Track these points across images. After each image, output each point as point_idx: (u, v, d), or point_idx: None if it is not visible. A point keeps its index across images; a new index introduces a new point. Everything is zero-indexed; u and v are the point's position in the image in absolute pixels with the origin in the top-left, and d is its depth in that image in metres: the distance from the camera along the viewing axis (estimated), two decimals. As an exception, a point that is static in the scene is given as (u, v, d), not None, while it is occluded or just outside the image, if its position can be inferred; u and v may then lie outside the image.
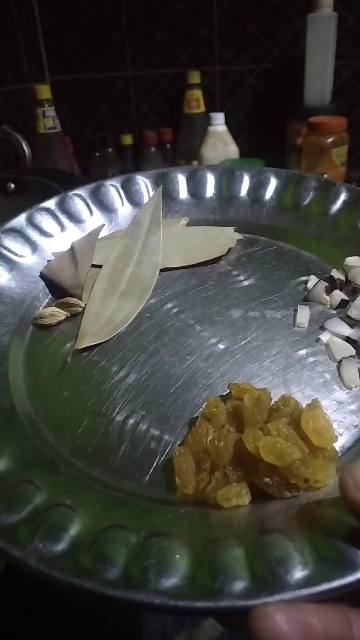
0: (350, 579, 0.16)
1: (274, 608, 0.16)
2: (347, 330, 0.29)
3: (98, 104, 1.07)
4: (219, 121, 0.83)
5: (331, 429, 0.23)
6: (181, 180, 0.42)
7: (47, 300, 0.36)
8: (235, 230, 0.39)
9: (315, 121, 0.73)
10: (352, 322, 0.30)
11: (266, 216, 0.40)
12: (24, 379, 0.30)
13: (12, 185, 0.62)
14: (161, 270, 0.37)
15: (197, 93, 0.92)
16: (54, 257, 0.38)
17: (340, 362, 0.28)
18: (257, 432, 0.22)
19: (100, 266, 0.38)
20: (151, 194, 0.42)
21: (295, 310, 0.32)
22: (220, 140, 0.84)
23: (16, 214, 0.39)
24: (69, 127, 1.03)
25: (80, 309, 0.35)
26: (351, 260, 0.33)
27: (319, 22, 0.79)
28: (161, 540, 0.19)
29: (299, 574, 0.17)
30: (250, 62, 0.94)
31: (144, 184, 0.42)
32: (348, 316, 0.30)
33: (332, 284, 0.32)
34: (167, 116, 1.04)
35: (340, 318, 0.30)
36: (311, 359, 0.29)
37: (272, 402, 0.25)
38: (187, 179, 0.42)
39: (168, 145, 0.99)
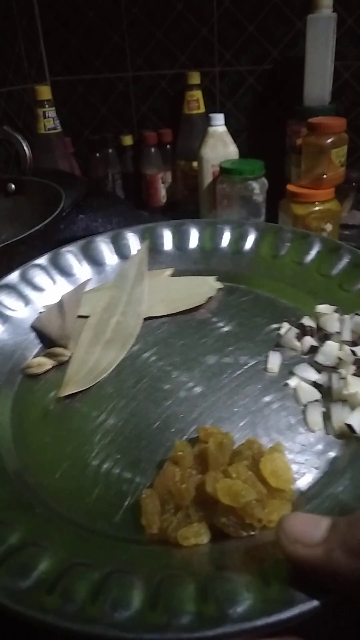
0: (287, 614, 0.17)
1: None
2: (314, 376, 0.31)
3: (98, 104, 1.07)
4: (218, 122, 0.83)
5: (289, 471, 0.24)
6: (166, 234, 0.46)
7: (37, 350, 0.38)
8: (216, 280, 0.41)
9: (315, 122, 0.73)
10: (319, 367, 0.31)
11: (246, 266, 0.43)
12: (10, 426, 0.31)
13: (13, 186, 0.62)
14: (145, 319, 0.39)
15: (197, 94, 0.92)
16: (44, 310, 0.40)
17: (305, 406, 0.29)
18: (218, 475, 0.24)
19: (88, 317, 0.40)
20: (139, 246, 0.45)
21: (267, 356, 0.33)
22: (220, 140, 0.84)
23: (9, 271, 0.42)
24: (69, 128, 1.03)
25: (67, 358, 0.37)
26: (321, 308, 0.34)
27: (319, 23, 0.80)
28: (122, 576, 0.20)
29: (241, 608, 0.18)
30: (250, 63, 0.95)
31: (132, 238, 0.45)
32: (316, 362, 0.31)
33: (303, 331, 0.33)
34: (167, 117, 1.04)
35: (309, 363, 0.32)
36: (278, 404, 0.30)
37: (237, 445, 0.26)
38: (172, 233, 0.46)
39: (168, 146, 1.00)
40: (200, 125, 0.90)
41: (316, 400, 0.29)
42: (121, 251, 0.45)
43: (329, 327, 0.33)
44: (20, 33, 0.97)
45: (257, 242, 0.44)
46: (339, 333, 0.32)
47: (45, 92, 0.89)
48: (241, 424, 0.29)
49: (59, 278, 0.43)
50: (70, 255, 0.44)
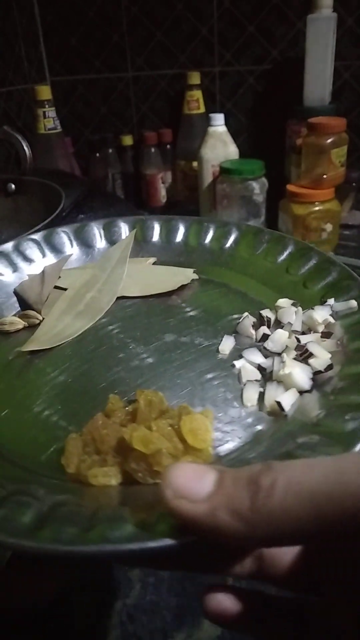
0: (154, 544, 0.19)
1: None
2: (259, 359, 0.33)
3: (98, 104, 1.07)
4: (218, 122, 0.83)
5: (208, 433, 0.26)
6: (156, 227, 0.49)
7: (14, 312, 0.42)
8: (193, 272, 0.44)
9: (315, 122, 0.73)
10: (267, 354, 0.33)
11: (224, 262, 0.46)
12: None
13: (13, 186, 0.63)
14: (119, 298, 0.42)
15: (197, 94, 0.92)
16: (27, 277, 0.44)
17: (245, 384, 0.31)
18: (139, 426, 0.25)
19: (66, 289, 0.44)
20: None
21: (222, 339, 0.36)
22: (220, 141, 0.84)
23: (6, 241, 0.46)
24: (69, 128, 1.03)
25: (37, 321, 0.40)
26: (281, 302, 0.37)
27: (319, 23, 0.80)
28: (21, 498, 0.22)
29: (119, 533, 0.19)
30: (250, 63, 0.95)
31: (123, 227, 0.49)
32: (265, 348, 0.33)
33: (260, 321, 0.36)
34: (167, 117, 1.04)
35: (259, 349, 0.34)
36: (220, 380, 0.32)
37: (168, 406, 0.28)
38: (161, 226, 0.49)
39: (168, 146, 1.00)
40: (200, 125, 0.90)
41: (256, 380, 0.31)
42: (111, 237, 0.49)
43: (284, 319, 0.35)
44: (20, 33, 0.97)
45: (236, 241, 0.47)
46: (290, 324, 0.34)
47: (45, 92, 0.89)
48: (180, 393, 0.31)
49: (49, 253, 0.47)
50: (64, 235, 0.48)
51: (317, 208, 0.73)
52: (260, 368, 0.32)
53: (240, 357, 0.34)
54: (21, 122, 0.99)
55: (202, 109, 0.93)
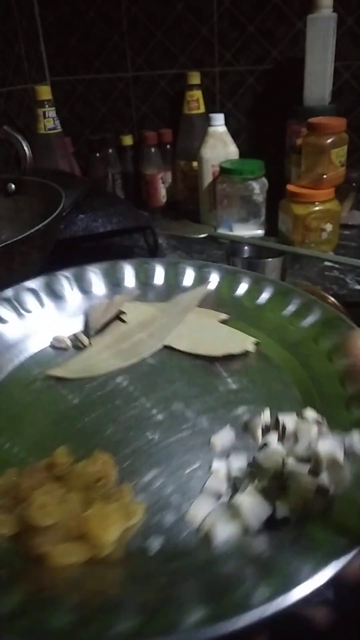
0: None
1: None
2: (238, 468, 0.29)
3: (98, 104, 1.07)
4: (218, 122, 0.83)
5: (115, 527, 0.24)
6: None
7: (79, 330, 0.44)
8: (254, 342, 0.41)
9: (315, 122, 0.73)
10: (254, 464, 0.29)
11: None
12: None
13: (13, 186, 0.62)
14: (166, 347, 0.41)
15: (197, 94, 0.92)
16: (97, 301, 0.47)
17: (199, 495, 0.28)
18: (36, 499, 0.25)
19: (125, 322, 0.44)
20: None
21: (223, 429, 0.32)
22: (220, 141, 0.84)
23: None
24: (69, 128, 1.03)
25: (82, 347, 0.42)
26: (308, 414, 0.31)
27: (319, 23, 0.80)
28: None
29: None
30: (250, 63, 0.95)
31: (213, 275, 0.48)
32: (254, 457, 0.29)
33: (275, 425, 0.31)
34: (167, 117, 1.04)
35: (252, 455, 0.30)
36: (193, 473, 0.29)
37: (112, 479, 0.28)
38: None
39: (168, 146, 1.00)
40: (200, 125, 0.90)
41: (217, 494, 0.28)
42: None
43: (299, 435, 0.30)
44: (20, 33, 0.97)
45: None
46: (296, 443, 0.29)
47: (45, 92, 0.89)
48: (149, 471, 0.30)
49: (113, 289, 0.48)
50: (127, 268, 0.50)
51: (317, 208, 0.73)
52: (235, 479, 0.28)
53: (227, 457, 0.30)
54: (21, 122, 0.99)
55: (202, 109, 0.93)
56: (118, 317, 0.45)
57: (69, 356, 0.41)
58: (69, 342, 0.42)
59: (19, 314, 0.44)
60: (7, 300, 0.44)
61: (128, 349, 0.41)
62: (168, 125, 1.02)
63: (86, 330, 0.44)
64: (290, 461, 0.27)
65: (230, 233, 0.82)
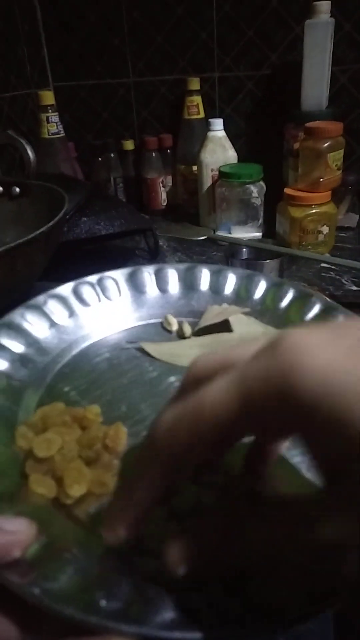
0: None
1: None
2: None
3: (100, 110, 1.09)
4: (217, 127, 0.85)
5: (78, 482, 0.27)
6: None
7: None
8: None
9: (312, 126, 0.75)
10: None
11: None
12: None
13: (17, 189, 0.64)
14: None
15: (197, 99, 0.94)
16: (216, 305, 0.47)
17: None
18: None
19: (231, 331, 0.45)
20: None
21: None
22: (219, 145, 0.86)
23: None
24: (71, 133, 1.05)
25: (184, 337, 0.44)
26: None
27: (316, 28, 0.81)
28: None
29: None
30: (249, 68, 0.96)
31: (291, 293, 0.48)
32: None
33: None
34: (167, 122, 1.06)
35: None
36: None
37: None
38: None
39: (168, 151, 1.01)
40: (199, 130, 0.92)
41: None
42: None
43: None
44: (23, 38, 0.99)
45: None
46: None
47: (48, 97, 0.90)
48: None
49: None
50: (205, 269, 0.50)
51: (313, 211, 0.74)
52: None
53: None
54: (25, 126, 1.01)
55: (202, 114, 0.95)
56: (227, 325, 0.45)
57: (165, 337, 0.44)
58: (175, 327, 0.45)
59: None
60: (92, 285, 0.47)
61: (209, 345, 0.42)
62: (168, 130, 1.03)
63: (199, 325, 0.45)
64: None
65: (229, 235, 0.83)
